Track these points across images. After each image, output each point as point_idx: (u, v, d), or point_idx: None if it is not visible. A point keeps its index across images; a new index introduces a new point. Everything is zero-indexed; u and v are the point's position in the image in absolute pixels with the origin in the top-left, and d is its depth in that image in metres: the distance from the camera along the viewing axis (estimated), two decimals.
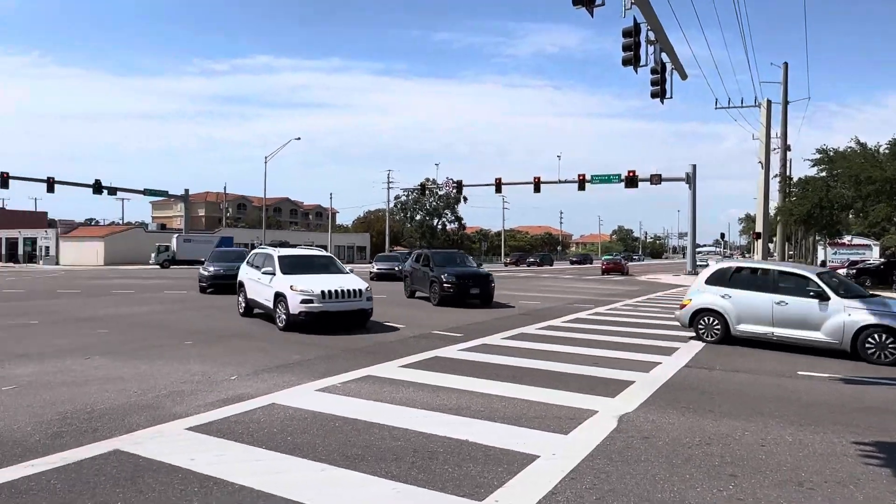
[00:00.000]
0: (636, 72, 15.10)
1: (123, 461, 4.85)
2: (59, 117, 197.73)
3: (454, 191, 61.05)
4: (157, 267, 52.36)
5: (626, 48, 14.69)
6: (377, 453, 5.13)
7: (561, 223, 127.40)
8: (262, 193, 57.96)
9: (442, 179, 63.10)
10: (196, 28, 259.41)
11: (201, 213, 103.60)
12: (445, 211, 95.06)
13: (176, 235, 58.38)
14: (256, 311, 14.78)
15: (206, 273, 23.00)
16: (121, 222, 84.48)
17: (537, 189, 46.94)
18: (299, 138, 55.77)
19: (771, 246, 43.79)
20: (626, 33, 14.65)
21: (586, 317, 16.08)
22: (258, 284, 14.05)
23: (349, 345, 10.85)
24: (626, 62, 14.78)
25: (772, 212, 38.16)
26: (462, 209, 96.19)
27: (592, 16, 12.29)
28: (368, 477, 4.61)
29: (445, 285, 18.63)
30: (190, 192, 64.11)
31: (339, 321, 12.58)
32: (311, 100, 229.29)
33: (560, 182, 47.49)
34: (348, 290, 12.56)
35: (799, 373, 9.00)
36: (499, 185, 48.96)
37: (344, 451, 5.18)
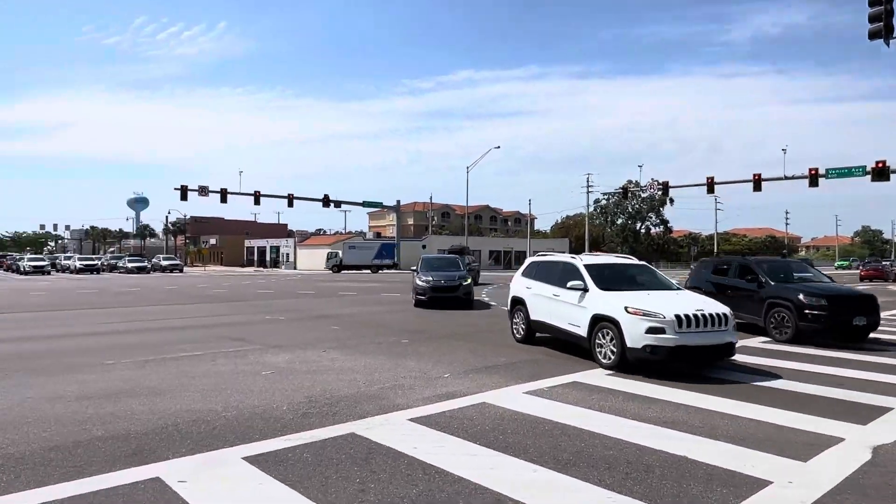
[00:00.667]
0: (887, 44, 12.89)
1: (358, 443, 5.45)
2: (296, 142, 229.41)
3: (659, 192, 57.78)
4: (329, 272, 58.61)
5: (873, 18, 12.63)
6: (588, 460, 5.07)
7: (787, 224, 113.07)
8: (464, 202, 60.88)
9: (645, 181, 60.24)
10: (402, 52, 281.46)
11: (410, 221, 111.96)
12: (649, 214, 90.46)
13: (343, 243, 65.03)
14: (540, 335, 11.56)
15: (422, 284, 20.20)
16: (343, 231, 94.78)
17: (757, 187, 42.23)
18: (498, 147, 57.78)
19: None
20: (872, 2, 12.60)
21: None
22: (553, 302, 10.76)
23: (554, 350, 10.86)
24: (873, 35, 12.71)
25: None
26: (667, 212, 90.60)
27: None
28: (581, 483, 4.58)
29: (809, 311, 11.98)
30: (400, 203, 69.61)
31: (699, 358, 8.84)
32: (511, 109, 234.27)
33: (785, 178, 42.17)
34: (709, 316, 8.73)
35: None
36: (711, 185, 45.08)
37: (555, 454, 5.21)
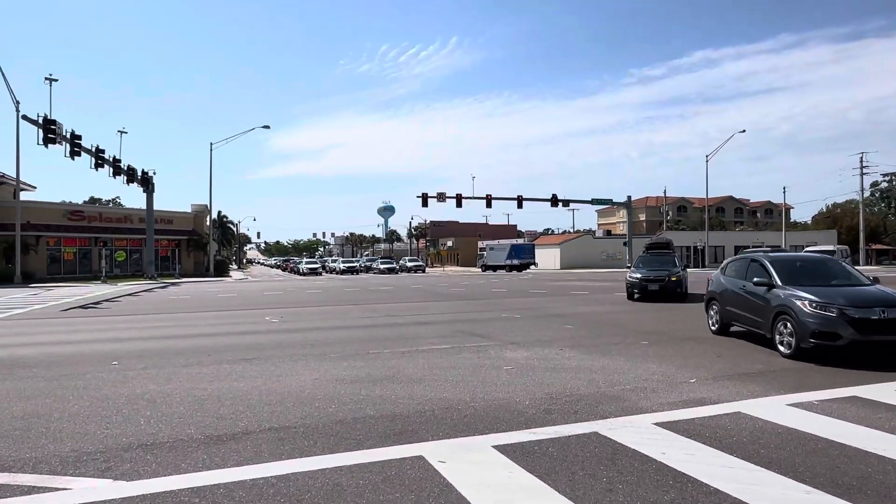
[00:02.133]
0: None
1: (602, 443, 5.43)
2: (523, 144, 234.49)
3: None
4: (480, 270, 62.39)
5: None
6: (877, 488, 4.35)
7: None
8: (703, 194, 56.08)
9: None
10: (627, 39, 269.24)
11: (642, 217, 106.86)
12: None
13: (486, 244, 69.90)
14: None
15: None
16: (572, 230, 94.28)
17: None
18: (744, 131, 52.28)
19: None
20: None
21: None
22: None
23: (825, 357, 9.48)
24: None
25: None
26: None
27: None
28: None
29: None
30: (631, 199, 66.92)
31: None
32: (758, 86, 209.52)
33: None
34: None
35: None
36: None
37: (832, 476, 4.57)
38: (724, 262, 13.34)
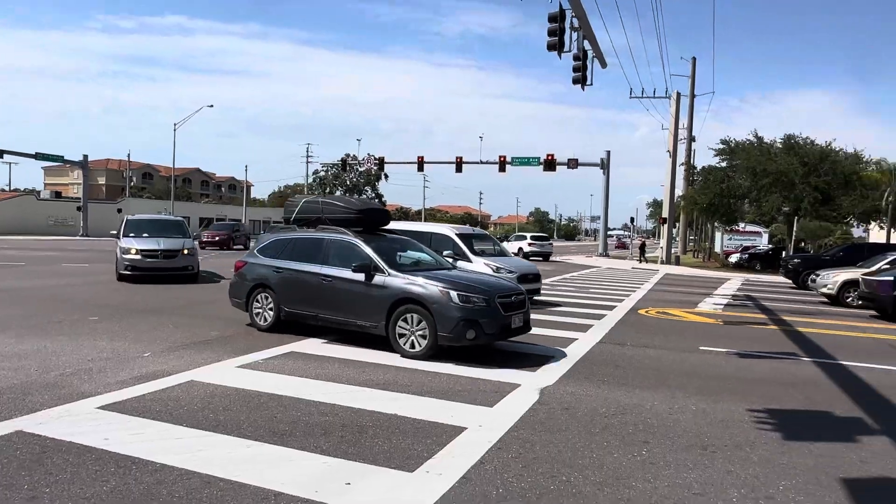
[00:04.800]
0: (560, 57, 15.46)
1: (28, 442, 4.52)
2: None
3: (375, 167, 60.39)
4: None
5: (551, 33, 14.99)
6: (305, 428, 5.08)
7: (480, 203, 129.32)
8: (170, 162, 54.86)
9: (363, 155, 62.37)
10: None
11: (101, 180, 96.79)
12: (366, 188, 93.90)
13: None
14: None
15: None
16: (9, 189, 77.33)
17: (459, 169, 47.25)
18: (212, 105, 53.55)
19: (675, 231, 46.48)
20: (551, 18, 14.94)
21: None
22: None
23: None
24: (550, 47, 15.09)
25: (678, 198, 40.46)
26: (383, 186, 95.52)
27: None
28: (297, 452, 4.55)
29: None
30: (90, 158, 59.55)
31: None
32: (231, 66, 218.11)
33: (481, 163, 48.02)
34: None
35: (700, 348, 9.70)
36: (421, 164, 48.89)
37: (271, 426, 5.09)
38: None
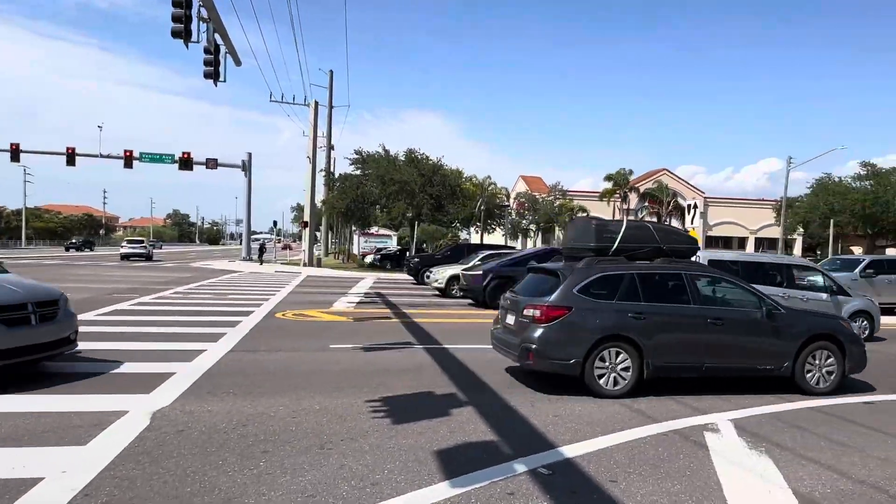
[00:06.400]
0: (187, 47, 14.32)
1: None
2: None
3: None
4: None
5: (175, 19, 13.76)
6: None
7: (105, 204, 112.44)
8: None
9: None
10: None
11: None
12: None
13: None
14: None
15: None
16: None
17: (71, 162, 40.01)
18: None
19: (318, 234, 48.42)
20: (175, 3, 13.72)
21: (127, 308, 14.51)
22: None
23: None
24: (175, 34, 13.85)
25: (318, 203, 42.13)
26: None
27: None
28: None
29: None
30: None
31: None
32: None
33: (102, 156, 41.69)
34: None
35: (331, 346, 10.11)
36: (16, 152, 39.78)
37: None
38: None
